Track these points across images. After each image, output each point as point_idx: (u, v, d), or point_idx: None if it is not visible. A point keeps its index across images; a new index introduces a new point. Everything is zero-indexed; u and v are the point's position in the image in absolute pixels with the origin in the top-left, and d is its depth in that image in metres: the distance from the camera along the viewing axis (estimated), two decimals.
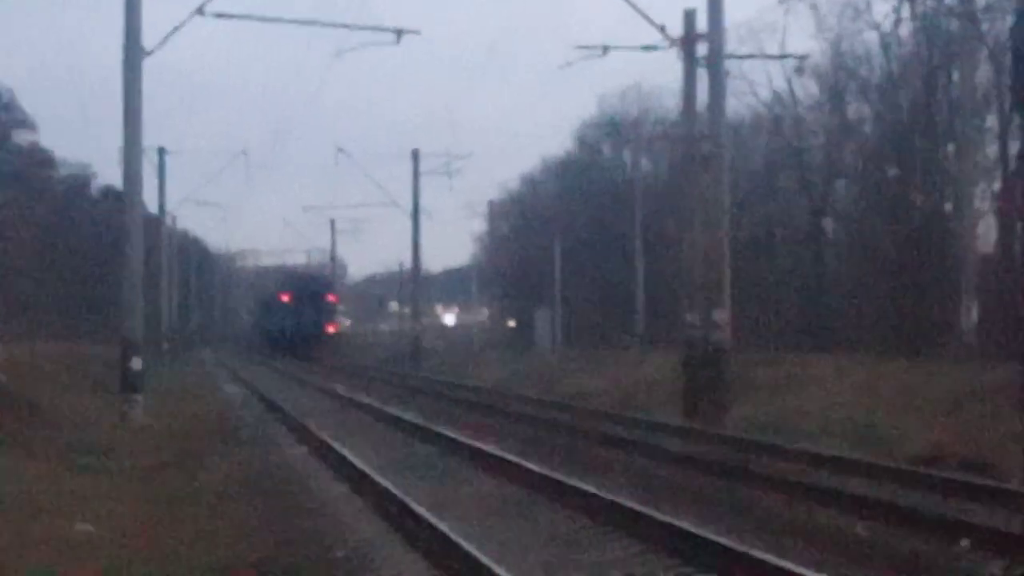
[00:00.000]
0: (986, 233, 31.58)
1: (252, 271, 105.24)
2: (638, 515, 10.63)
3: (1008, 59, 30.18)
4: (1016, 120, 30.53)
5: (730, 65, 24.95)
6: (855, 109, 38.18)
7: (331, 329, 68.49)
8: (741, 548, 8.93)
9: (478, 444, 17.11)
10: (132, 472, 15.33)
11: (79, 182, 68.04)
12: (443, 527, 9.85)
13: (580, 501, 11.84)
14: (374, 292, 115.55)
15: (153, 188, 52.93)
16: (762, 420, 20.39)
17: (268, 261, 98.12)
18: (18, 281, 51.47)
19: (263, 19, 26.22)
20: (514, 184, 71.98)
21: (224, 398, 30.83)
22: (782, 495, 12.72)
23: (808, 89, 39.04)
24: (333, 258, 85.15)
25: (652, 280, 45.23)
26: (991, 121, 31.73)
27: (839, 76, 37.29)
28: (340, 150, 51.80)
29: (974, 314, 26.74)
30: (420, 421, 21.64)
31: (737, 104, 38.07)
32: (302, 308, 65.78)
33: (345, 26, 26.45)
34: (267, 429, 21.89)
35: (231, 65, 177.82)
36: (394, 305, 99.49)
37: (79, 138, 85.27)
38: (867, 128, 37.66)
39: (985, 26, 30.18)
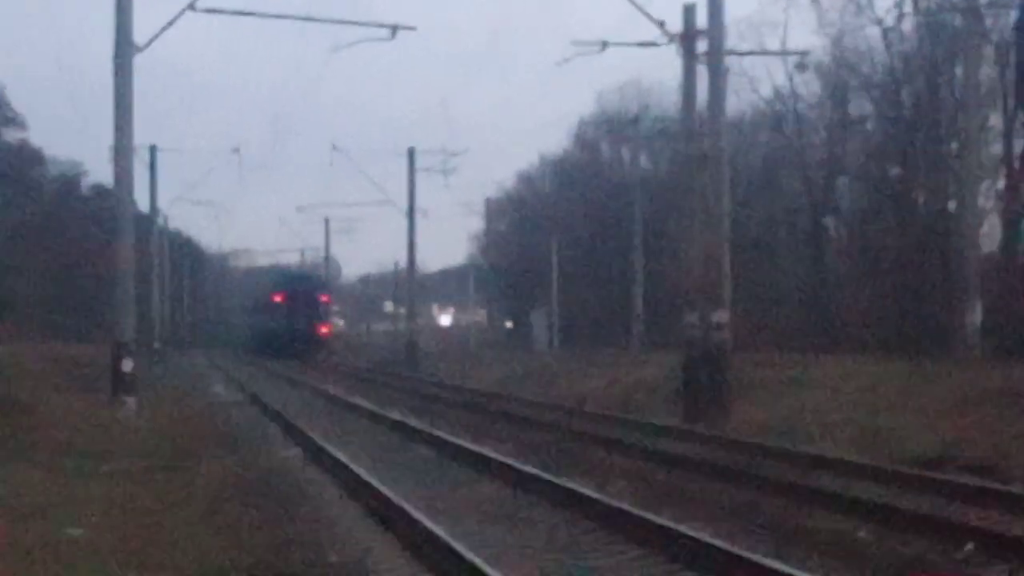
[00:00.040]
0: (990, 232, 31.44)
1: (245, 271, 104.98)
2: (638, 520, 10.56)
3: (1012, 55, 30.07)
4: (1021, 117, 30.35)
5: (730, 61, 24.73)
6: (857, 106, 38.15)
7: (324, 330, 68.22)
8: (743, 553, 8.91)
9: (475, 447, 17.03)
10: (123, 475, 15.12)
11: (69, 180, 67.92)
12: (440, 532, 9.79)
13: (579, 505, 11.76)
14: (369, 292, 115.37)
15: (145, 186, 52.47)
16: (763, 422, 20.22)
17: (262, 261, 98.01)
18: (7, 280, 51.21)
19: (256, 14, 25.90)
20: (511, 182, 71.97)
21: (217, 400, 30.62)
22: (784, 499, 12.64)
23: (809, 86, 39.00)
24: (327, 257, 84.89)
25: (652, 280, 45.03)
26: (995, 118, 31.62)
27: (841, 72, 37.17)
28: (335, 148, 51.42)
29: (978, 314, 26.53)
30: (415, 423, 21.51)
31: (737, 101, 38.04)
32: (295, 309, 65.52)
33: (340, 22, 26.37)
34: (260, 431, 21.72)
35: (224, 61, 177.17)
36: (389, 305, 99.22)
37: (69, 136, 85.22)
38: (869, 125, 37.57)
39: (989, 22, 30.11)
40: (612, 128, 57.24)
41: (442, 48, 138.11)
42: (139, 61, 22.81)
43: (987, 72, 30.97)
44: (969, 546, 9.90)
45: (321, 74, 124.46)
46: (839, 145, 38.33)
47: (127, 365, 22.51)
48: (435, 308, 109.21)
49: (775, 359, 26.69)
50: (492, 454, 16.09)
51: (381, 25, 25.66)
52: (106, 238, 30.19)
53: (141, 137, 27.04)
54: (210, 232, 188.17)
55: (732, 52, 26.25)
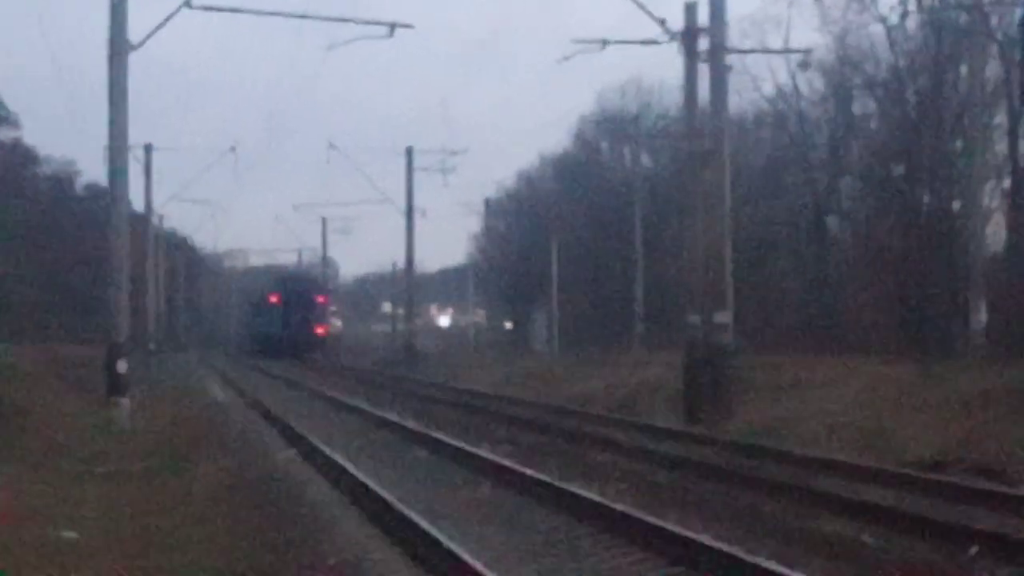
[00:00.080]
0: (995, 232, 31.27)
1: (241, 271, 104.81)
2: (640, 522, 10.52)
3: (1018, 53, 29.85)
4: None
5: (732, 60, 24.43)
6: (861, 105, 38.05)
7: (321, 331, 68.13)
8: (745, 556, 8.90)
9: (474, 449, 16.97)
10: (118, 477, 15.18)
11: (63, 180, 67.80)
12: (438, 534, 9.77)
13: (580, 508, 11.71)
14: (366, 292, 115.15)
15: (139, 186, 52.45)
16: (766, 424, 20.15)
17: (258, 261, 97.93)
18: (0, 281, 51.03)
19: (252, 12, 25.69)
20: (511, 181, 71.60)
21: (212, 401, 30.44)
22: (786, 501, 12.61)
23: (812, 84, 38.82)
24: (324, 258, 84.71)
25: (653, 280, 44.85)
26: (1000, 117, 31.50)
27: (844, 71, 37.02)
28: (332, 147, 51.22)
29: (982, 315, 26.41)
30: (413, 425, 21.43)
31: (739, 100, 37.89)
32: (291, 310, 65.50)
33: (337, 19, 26.23)
34: (256, 433, 21.58)
35: (219, 59, 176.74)
36: (387, 306, 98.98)
37: (63, 134, 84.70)
38: (873, 124, 37.42)
39: (994, 20, 30.04)
40: (613, 127, 57.05)
41: (441, 46, 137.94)
42: (134, 59, 22.78)
43: (992, 70, 30.86)
44: (973, 549, 9.84)
45: (318, 72, 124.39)
46: (842, 144, 38.23)
47: (122, 366, 22.45)
48: (434, 309, 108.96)
49: (778, 360, 26.53)
50: (492, 456, 16.03)
51: (379, 23, 25.61)
52: (100, 238, 30.07)
53: (136, 136, 26.94)
54: (206, 232, 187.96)
55: (734, 50, 26.00)
